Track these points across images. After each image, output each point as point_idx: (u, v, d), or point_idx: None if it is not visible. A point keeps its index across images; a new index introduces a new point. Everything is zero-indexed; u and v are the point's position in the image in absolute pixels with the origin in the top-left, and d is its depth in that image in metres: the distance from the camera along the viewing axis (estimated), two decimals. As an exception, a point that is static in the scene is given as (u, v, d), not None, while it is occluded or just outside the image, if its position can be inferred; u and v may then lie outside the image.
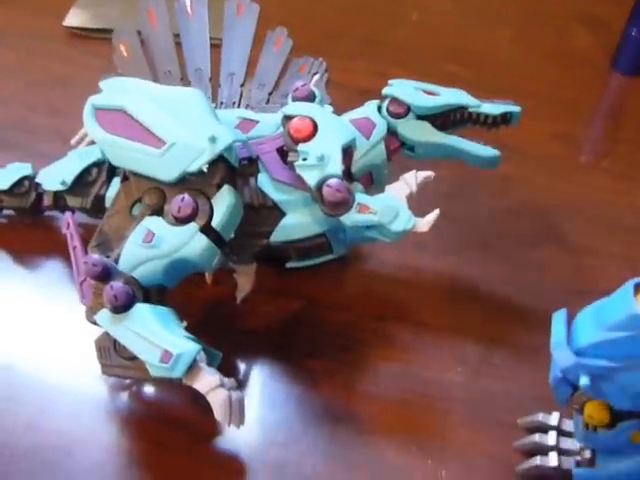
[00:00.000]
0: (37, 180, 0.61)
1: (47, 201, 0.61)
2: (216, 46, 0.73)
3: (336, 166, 0.51)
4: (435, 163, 0.59)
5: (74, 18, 0.79)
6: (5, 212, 0.64)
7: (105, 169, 0.58)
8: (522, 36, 0.84)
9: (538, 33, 0.85)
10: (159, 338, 0.48)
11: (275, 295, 0.60)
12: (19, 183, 0.61)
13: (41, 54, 0.79)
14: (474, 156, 0.57)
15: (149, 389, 0.55)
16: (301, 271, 0.59)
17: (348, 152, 0.53)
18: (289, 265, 0.57)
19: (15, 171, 0.62)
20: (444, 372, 0.57)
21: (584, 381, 0.44)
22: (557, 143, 0.73)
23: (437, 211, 0.52)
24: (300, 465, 0.52)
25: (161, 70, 0.71)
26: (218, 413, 0.47)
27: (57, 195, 0.60)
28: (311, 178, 0.51)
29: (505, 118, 0.58)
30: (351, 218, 0.51)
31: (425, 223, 0.52)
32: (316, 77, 0.61)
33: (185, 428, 0.53)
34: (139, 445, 0.53)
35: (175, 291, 0.54)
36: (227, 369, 0.52)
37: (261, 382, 0.56)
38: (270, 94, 0.70)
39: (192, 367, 0.48)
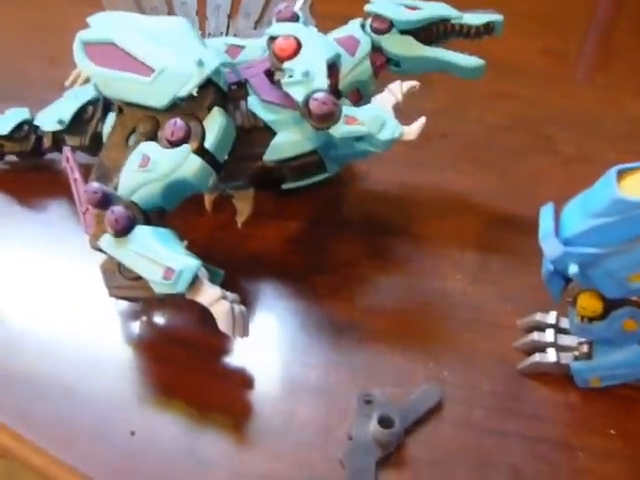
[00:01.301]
0: (35, 123, 0.62)
1: (47, 143, 0.62)
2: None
3: (322, 80, 0.52)
4: (427, 82, 0.60)
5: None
6: (7, 158, 0.65)
7: (100, 106, 0.60)
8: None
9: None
10: (161, 257, 0.49)
11: (274, 218, 0.61)
12: (18, 128, 0.63)
13: (33, 5, 0.80)
14: (459, 67, 0.58)
15: (158, 314, 0.57)
16: (299, 193, 0.60)
17: (333, 69, 0.54)
18: (285, 186, 0.58)
19: (14, 116, 0.63)
20: (443, 280, 0.58)
21: (573, 269, 0.45)
22: (547, 58, 0.74)
23: (423, 119, 0.53)
24: (306, 376, 0.54)
25: (147, 7, 0.71)
26: (221, 323, 0.49)
27: (56, 135, 0.61)
28: (298, 94, 0.52)
29: (488, 28, 0.59)
30: (339, 130, 0.52)
31: (412, 131, 0.53)
32: (300, 1, 0.61)
33: (193, 346, 0.55)
34: (150, 364, 0.55)
35: (177, 220, 0.56)
36: (231, 289, 0.53)
37: (265, 300, 0.57)
38: (256, 23, 0.70)
39: (194, 282, 0.49)
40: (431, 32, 0.58)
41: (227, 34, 0.69)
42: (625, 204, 0.43)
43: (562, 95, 0.70)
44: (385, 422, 0.49)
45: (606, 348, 0.51)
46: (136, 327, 0.56)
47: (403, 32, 0.58)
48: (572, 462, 0.50)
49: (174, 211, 0.56)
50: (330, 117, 0.52)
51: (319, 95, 0.52)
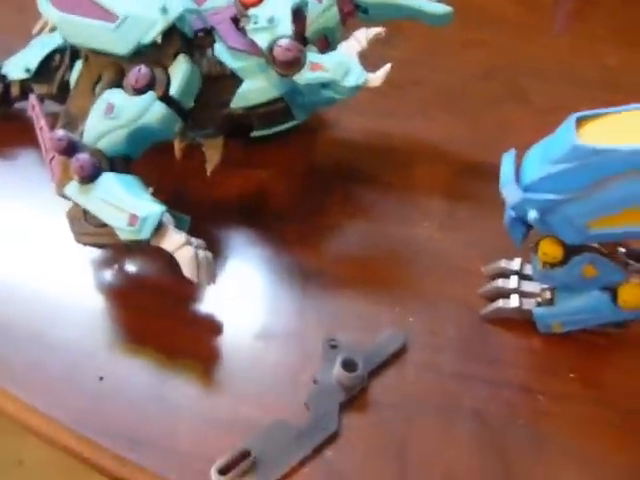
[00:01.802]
0: (2, 71, 0.62)
1: (15, 91, 0.62)
2: None
3: (286, 27, 0.52)
4: (399, 30, 0.60)
5: None
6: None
7: (68, 54, 0.59)
8: None
9: None
10: (125, 203, 0.50)
11: (244, 166, 0.62)
12: None
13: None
14: (427, 13, 0.58)
15: (128, 261, 0.57)
16: (269, 142, 0.60)
17: (299, 15, 0.54)
18: (254, 134, 0.58)
19: (-21, 65, 0.63)
20: (410, 227, 0.59)
21: (532, 215, 0.46)
22: (521, 7, 0.74)
23: (388, 65, 0.53)
24: (273, 322, 0.54)
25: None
26: (185, 269, 0.49)
27: (23, 84, 0.61)
28: (262, 40, 0.52)
29: None
30: (304, 76, 0.52)
31: (377, 77, 0.53)
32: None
33: (164, 293, 0.55)
34: (120, 311, 0.55)
35: (146, 167, 0.56)
36: (199, 236, 0.53)
37: (234, 247, 0.58)
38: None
39: (159, 228, 0.50)
40: (398, -22, 0.58)
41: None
42: (583, 150, 0.43)
43: (536, 45, 0.71)
44: (349, 366, 0.50)
45: (567, 294, 0.52)
46: (106, 274, 0.57)
47: (371, -22, 0.57)
48: (532, 404, 0.51)
49: (143, 158, 0.56)
50: (294, 63, 0.52)
51: (283, 41, 0.52)
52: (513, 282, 0.54)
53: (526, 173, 0.46)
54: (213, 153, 0.58)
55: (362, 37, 0.54)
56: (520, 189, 0.46)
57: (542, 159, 0.45)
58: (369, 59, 0.55)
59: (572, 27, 0.74)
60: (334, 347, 0.52)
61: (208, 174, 0.59)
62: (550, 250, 0.48)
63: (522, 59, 0.69)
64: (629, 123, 0.44)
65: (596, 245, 0.49)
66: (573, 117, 0.45)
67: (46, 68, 0.60)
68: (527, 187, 0.46)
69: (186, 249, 0.49)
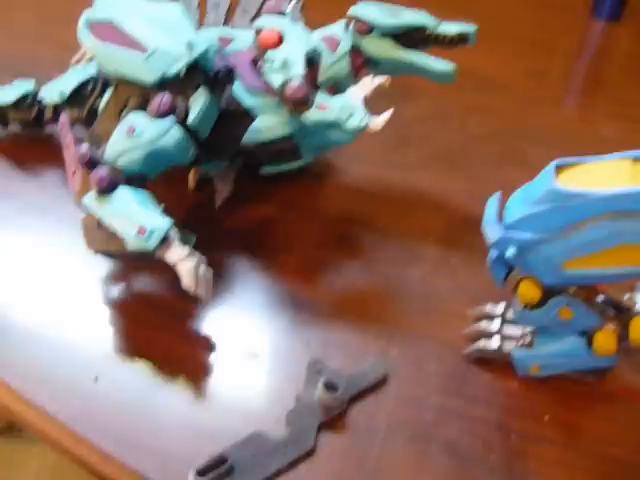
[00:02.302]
0: (39, 96, 0.67)
1: (48, 114, 0.67)
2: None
3: (298, 69, 0.57)
4: (414, 91, 0.64)
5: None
6: (11, 128, 0.70)
7: (100, 83, 0.64)
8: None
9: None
10: (136, 215, 0.53)
11: (252, 200, 0.65)
12: (23, 98, 0.67)
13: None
14: (432, 70, 0.62)
15: (136, 278, 0.61)
16: (278, 180, 0.64)
17: (313, 62, 0.59)
18: (263, 171, 0.62)
19: (20, 86, 0.68)
20: (403, 269, 0.62)
21: (510, 252, 0.48)
22: (529, 79, 0.78)
23: (390, 111, 0.57)
24: (264, 343, 0.57)
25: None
26: (185, 280, 0.53)
27: (56, 108, 0.66)
28: (276, 80, 0.57)
29: (462, 37, 0.63)
30: (311, 116, 0.56)
31: (379, 122, 0.57)
32: (293, 1, 0.66)
33: (165, 309, 0.58)
34: (123, 321, 0.58)
35: (160, 193, 0.59)
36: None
37: (234, 272, 0.61)
38: (252, 20, 0.75)
39: (165, 241, 0.53)
40: (409, 37, 0.63)
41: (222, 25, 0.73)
42: (559, 193, 0.46)
43: (540, 113, 0.75)
44: (330, 387, 0.53)
45: (547, 338, 0.54)
46: (113, 288, 0.60)
47: (383, 35, 0.62)
48: (506, 443, 0.53)
49: (157, 185, 0.59)
50: (303, 102, 0.56)
51: (294, 81, 0.56)
52: (496, 325, 0.56)
53: (509, 213, 0.49)
54: (223, 186, 0.62)
55: (368, 83, 0.58)
56: (501, 228, 0.49)
57: (524, 201, 0.49)
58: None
59: (573, 100, 0.77)
60: (318, 370, 0.55)
61: (217, 206, 0.62)
62: (528, 291, 0.51)
63: (525, 125, 0.73)
64: (608, 170, 0.48)
65: (574, 289, 0.52)
66: (554, 163, 0.48)
67: (79, 94, 0.65)
68: (508, 226, 0.49)
69: (187, 261, 0.53)
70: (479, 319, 0.58)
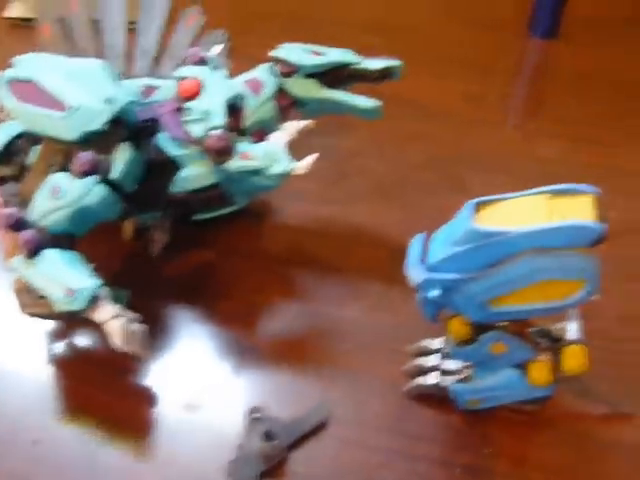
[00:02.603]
0: None
1: None
2: (132, 30, 0.77)
3: (219, 119, 0.57)
4: (350, 123, 0.64)
5: (14, 10, 0.86)
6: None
7: (30, 139, 0.64)
8: (442, 6, 0.89)
9: (460, 2, 0.90)
10: (64, 277, 0.53)
11: (191, 247, 0.65)
12: None
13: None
14: (358, 108, 0.63)
15: (78, 335, 0.60)
16: (217, 224, 0.64)
17: (236, 109, 0.59)
18: (195, 218, 0.62)
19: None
20: (342, 308, 0.62)
21: (434, 294, 0.48)
22: (467, 102, 0.78)
23: (314, 155, 0.57)
24: (204, 395, 0.57)
25: (78, 48, 0.75)
26: (113, 340, 0.52)
27: None
28: (197, 130, 0.57)
29: (387, 72, 0.63)
30: (234, 165, 0.57)
31: (303, 166, 0.57)
32: (217, 46, 0.66)
33: (104, 365, 0.58)
34: (64, 380, 0.58)
35: (95, 243, 0.59)
36: (141, 312, 0.56)
37: (174, 323, 0.61)
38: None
39: (94, 301, 0.53)
40: (334, 76, 0.63)
41: (152, 75, 0.73)
42: (478, 233, 0.46)
43: (477, 137, 0.75)
44: (269, 436, 0.53)
45: (484, 371, 0.54)
46: (55, 346, 0.60)
47: (308, 75, 0.62)
48: (448, 478, 0.53)
49: (92, 235, 0.59)
50: (224, 152, 0.56)
51: (215, 132, 0.56)
52: (434, 360, 0.57)
53: (431, 254, 0.49)
54: (160, 235, 0.62)
55: (292, 128, 0.58)
56: (425, 269, 0.49)
57: (445, 240, 0.49)
58: (315, 149, 0.59)
59: (512, 122, 0.78)
60: (258, 417, 0.54)
61: (154, 255, 0.62)
62: (458, 329, 0.51)
63: (463, 151, 0.73)
64: (525, 207, 0.48)
65: (505, 324, 0.52)
66: (473, 202, 0.48)
67: (9, 152, 0.64)
68: (432, 267, 0.49)
69: (115, 321, 0.52)
70: (417, 355, 0.58)
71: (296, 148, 0.59)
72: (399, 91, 0.73)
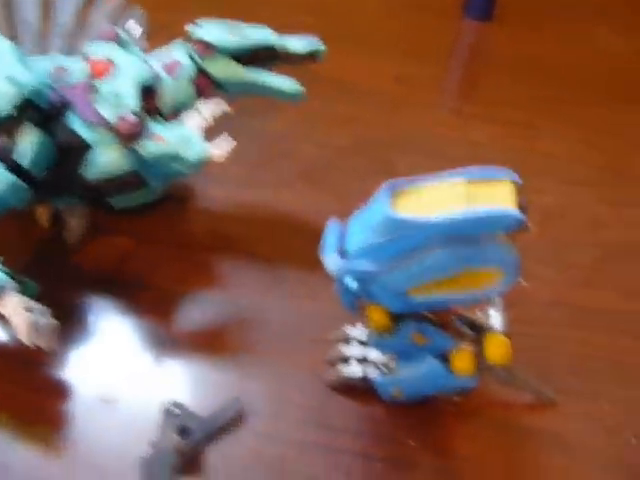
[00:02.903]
0: None
1: None
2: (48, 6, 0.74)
3: (131, 101, 0.54)
4: (281, 106, 0.62)
5: None
6: None
7: None
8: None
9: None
10: None
11: (108, 234, 0.63)
12: None
13: None
14: (279, 90, 0.60)
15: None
16: (136, 210, 0.61)
17: (150, 91, 0.56)
18: (113, 204, 0.60)
19: None
20: (263, 295, 0.60)
21: (350, 283, 0.47)
22: (399, 85, 0.77)
23: (232, 142, 0.55)
24: (119, 388, 0.55)
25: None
26: (19, 333, 0.50)
27: None
28: (108, 113, 0.54)
29: (311, 55, 0.61)
30: (146, 148, 0.54)
31: (220, 153, 0.55)
32: (134, 24, 0.63)
33: (15, 358, 0.55)
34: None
35: (8, 231, 0.57)
36: (55, 304, 0.54)
37: (90, 313, 0.59)
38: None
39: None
40: (255, 57, 0.60)
41: (68, 53, 0.70)
42: (395, 222, 0.45)
43: (408, 120, 0.73)
44: (184, 432, 0.51)
45: (406, 361, 0.53)
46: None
47: (228, 56, 0.60)
48: (370, 471, 0.52)
49: (4, 222, 0.57)
50: (134, 136, 0.54)
51: (125, 115, 0.53)
52: (356, 349, 0.55)
53: (348, 241, 0.48)
54: (76, 222, 0.60)
55: (205, 111, 0.56)
56: (341, 258, 0.47)
57: (362, 227, 0.47)
58: (241, 131, 0.57)
59: (444, 104, 0.76)
60: (173, 412, 0.52)
61: (70, 242, 0.60)
62: (377, 318, 0.50)
63: (394, 134, 0.71)
64: (443, 193, 0.46)
65: (427, 313, 0.50)
66: (387, 187, 0.47)
67: None
68: (348, 255, 0.47)
69: (21, 315, 0.50)
70: (340, 342, 0.56)
71: (219, 130, 0.57)
72: (330, 72, 0.72)
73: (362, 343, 0.55)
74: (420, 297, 0.47)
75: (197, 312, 0.59)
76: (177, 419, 0.52)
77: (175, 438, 0.50)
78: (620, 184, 0.69)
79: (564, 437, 0.53)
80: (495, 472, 0.52)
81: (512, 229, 0.44)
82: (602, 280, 0.62)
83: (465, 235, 0.45)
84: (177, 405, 0.53)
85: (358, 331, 0.56)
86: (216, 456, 0.51)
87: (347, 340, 0.56)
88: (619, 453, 0.53)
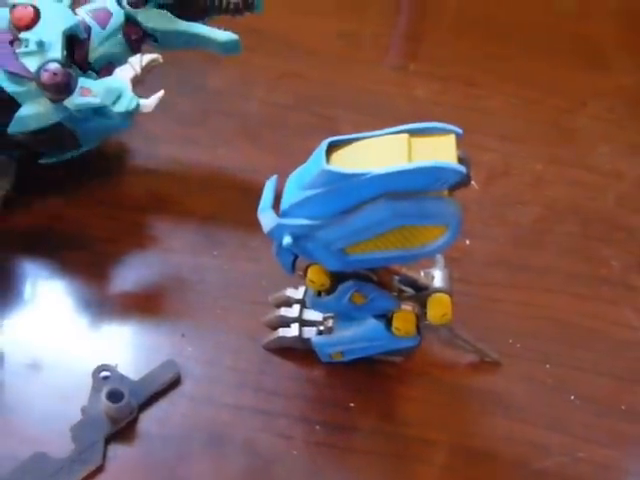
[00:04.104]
0: None
1: None
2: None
3: (56, 51, 0.52)
4: (219, 61, 0.60)
5: None
6: None
7: None
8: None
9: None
10: None
11: (35, 191, 0.59)
12: None
13: None
14: (214, 41, 0.58)
15: None
16: (65, 168, 0.59)
17: (78, 42, 0.54)
18: (42, 161, 0.57)
19: None
20: (200, 256, 0.58)
21: (286, 240, 0.45)
22: (341, 41, 0.74)
23: (161, 92, 0.53)
24: (47, 353, 0.53)
25: None
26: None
27: None
28: (32, 64, 0.52)
29: (247, 4, 0.58)
30: (73, 101, 0.52)
31: (149, 104, 0.53)
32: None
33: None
34: None
35: None
36: None
37: (18, 276, 0.56)
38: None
39: None
40: (190, 7, 0.58)
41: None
42: (331, 175, 0.43)
43: (350, 76, 0.71)
44: (114, 396, 0.49)
45: (345, 322, 0.52)
46: None
47: (160, 6, 0.57)
48: (308, 435, 0.50)
49: None
50: (62, 88, 0.51)
51: (50, 66, 0.51)
52: (295, 311, 0.54)
53: (284, 198, 0.46)
54: (1, 180, 0.57)
55: (136, 63, 0.53)
56: (275, 215, 0.46)
57: (297, 184, 0.45)
58: (181, 88, 0.54)
59: (388, 61, 0.74)
60: (105, 377, 0.51)
61: (-2, 204, 0.57)
62: (316, 278, 0.48)
63: (336, 91, 0.69)
64: (383, 147, 0.44)
65: (365, 271, 0.49)
66: (325, 142, 0.45)
67: None
68: (284, 213, 0.45)
69: None
70: (279, 305, 0.54)
71: (157, 87, 0.55)
72: (270, 28, 0.70)
73: (302, 305, 0.54)
74: (358, 255, 0.46)
75: (131, 274, 0.57)
76: (108, 383, 0.50)
77: (106, 403, 0.49)
78: (563, 143, 0.68)
79: (507, 398, 0.53)
80: (437, 434, 0.51)
81: (454, 183, 0.43)
82: (544, 239, 0.61)
83: (406, 190, 0.43)
84: (108, 368, 0.51)
85: (299, 292, 0.54)
86: (150, 421, 0.50)
87: (287, 303, 0.54)
88: (561, 413, 0.52)
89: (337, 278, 0.48)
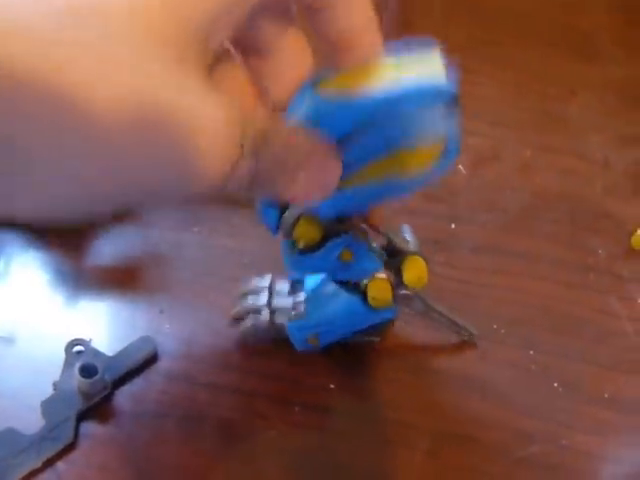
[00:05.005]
0: None
1: None
2: None
3: None
4: None
5: None
6: None
7: None
8: None
9: None
10: None
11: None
12: None
13: None
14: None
15: None
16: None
17: None
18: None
19: None
20: (180, 232, 0.56)
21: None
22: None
23: None
24: (20, 326, 0.51)
25: None
26: None
27: None
28: None
29: None
30: None
31: None
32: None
33: None
34: None
35: None
36: None
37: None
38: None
39: None
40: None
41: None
42: (318, 104, 0.38)
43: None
44: (87, 371, 0.47)
45: (317, 302, 0.50)
46: None
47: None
48: (287, 416, 0.49)
49: None
50: None
51: None
52: (263, 298, 0.52)
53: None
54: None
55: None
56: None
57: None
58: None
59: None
60: (79, 352, 0.49)
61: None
62: (307, 233, 0.45)
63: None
64: (370, 71, 0.41)
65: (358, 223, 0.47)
66: (312, 78, 0.42)
67: None
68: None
69: None
70: (246, 295, 0.53)
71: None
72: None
73: (269, 292, 0.52)
74: (353, 189, 0.41)
75: (109, 248, 0.55)
76: (81, 358, 0.48)
77: (78, 378, 0.47)
78: (553, 130, 0.67)
79: (490, 384, 0.51)
80: (418, 418, 0.50)
81: (449, 101, 0.41)
82: (531, 226, 0.60)
83: (396, 112, 0.41)
84: (81, 343, 0.49)
85: (265, 280, 0.53)
86: (124, 398, 0.49)
87: (253, 291, 0.52)
88: (544, 400, 0.51)
89: (326, 233, 0.46)
